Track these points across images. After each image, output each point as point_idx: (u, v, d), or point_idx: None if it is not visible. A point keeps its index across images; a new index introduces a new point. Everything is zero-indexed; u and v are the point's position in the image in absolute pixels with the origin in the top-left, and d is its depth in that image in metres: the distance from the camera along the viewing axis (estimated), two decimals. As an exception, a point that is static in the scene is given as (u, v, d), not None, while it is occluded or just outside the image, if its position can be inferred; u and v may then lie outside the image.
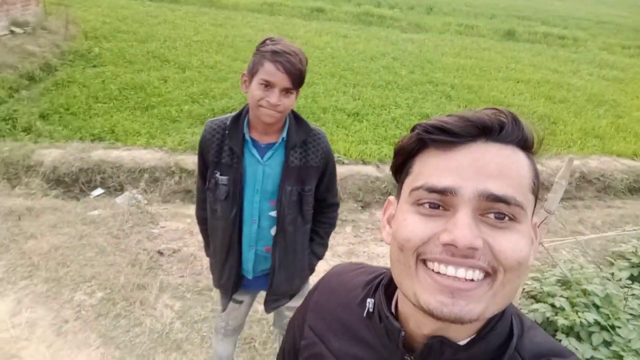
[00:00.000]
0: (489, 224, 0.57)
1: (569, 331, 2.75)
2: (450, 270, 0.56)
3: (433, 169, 0.60)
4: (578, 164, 5.59)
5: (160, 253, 3.43)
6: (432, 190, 0.59)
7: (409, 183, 0.64)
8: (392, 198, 0.73)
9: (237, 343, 2.29)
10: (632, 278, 3.34)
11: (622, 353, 2.49)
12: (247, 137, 1.65)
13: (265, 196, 1.71)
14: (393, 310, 0.73)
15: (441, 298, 0.56)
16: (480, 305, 0.56)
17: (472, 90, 7.82)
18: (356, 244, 3.98)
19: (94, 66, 7.03)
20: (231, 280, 1.82)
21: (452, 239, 0.55)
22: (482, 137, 0.60)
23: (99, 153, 4.84)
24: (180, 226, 3.88)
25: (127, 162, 4.75)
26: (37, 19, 7.83)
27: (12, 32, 7.21)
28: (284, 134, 1.66)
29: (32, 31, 7.46)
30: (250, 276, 1.85)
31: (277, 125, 1.66)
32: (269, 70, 1.51)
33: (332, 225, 1.94)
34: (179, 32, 9.02)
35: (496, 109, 0.62)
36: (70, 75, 6.54)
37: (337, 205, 1.92)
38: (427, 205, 0.60)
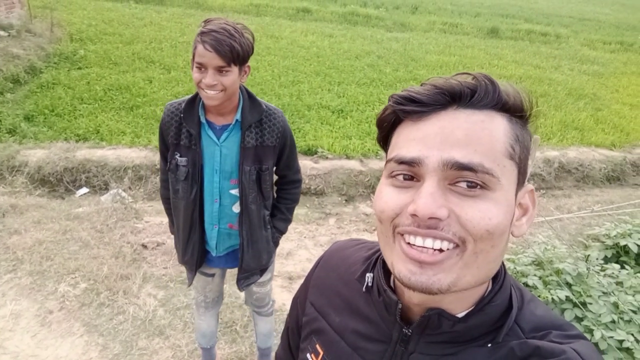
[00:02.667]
0: (458, 193, 0.56)
1: (543, 309, 2.84)
2: (419, 241, 0.56)
3: (404, 140, 0.60)
4: (557, 154, 5.71)
5: (144, 246, 3.48)
6: (400, 161, 0.59)
7: (387, 156, 0.64)
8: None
9: (218, 321, 2.35)
10: (605, 259, 3.45)
11: (592, 327, 2.58)
12: (202, 119, 1.69)
13: (224, 176, 1.75)
14: (392, 284, 0.72)
15: (411, 267, 0.57)
16: (450, 276, 0.56)
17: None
18: (338, 234, 4.04)
19: (79, 68, 7.05)
20: (195, 256, 1.88)
21: (414, 209, 0.55)
22: (452, 105, 0.58)
23: (84, 152, 4.87)
24: (164, 220, 3.92)
25: (112, 160, 4.79)
26: (22, 21, 7.82)
27: (-4, 35, 7.21)
28: (238, 116, 1.69)
29: (17, 34, 7.45)
30: (214, 253, 1.90)
31: (229, 107, 1.68)
32: (199, 52, 1.53)
33: (294, 201, 1.99)
34: (164, 33, 9.05)
35: (470, 74, 0.60)
36: (55, 77, 6.56)
37: (298, 181, 1.97)
38: (400, 177, 0.59)
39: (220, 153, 1.72)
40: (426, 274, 0.56)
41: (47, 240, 3.37)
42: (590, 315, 2.68)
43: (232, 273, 2.23)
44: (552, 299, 2.75)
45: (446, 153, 0.55)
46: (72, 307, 2.79)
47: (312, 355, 0.80)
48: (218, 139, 1.71)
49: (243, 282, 1.97)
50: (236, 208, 1.82)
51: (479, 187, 0.56)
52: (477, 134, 0.56)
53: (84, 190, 4.68)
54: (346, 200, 4.87)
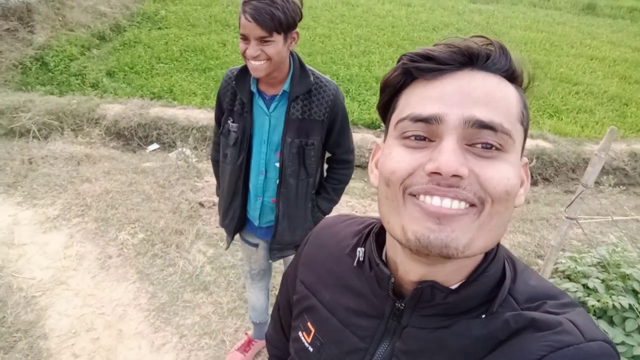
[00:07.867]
0: (475, 154, 0.55)
1: (602, 314, 2.64)
2: (436, 201, 0.54)
3: (418, 98, 0.58)
4: (645, 148, 5.20)
5: (201, 204, 3.61)
6: (416, 119, 0.57)
7: (395, 118, 0.62)
8: (379, 142, 0.70)
9: (269, 296, 2.34)
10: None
11: (656, 341, 2.36)
12: (252, 88, 1.66)
13: (272, 147, 1.73)
14: (384, 258, 0.71)
15: (429, 224, 0.54)
16: (466, 235, 0.55)
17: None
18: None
19: (159, 28, 7.33)
20: (234, 222, 1.90)
21: (437, 167, 0.53)
22: (468, 66, 0.58)
23: (157, 110, 5.10)
24: (223, 182, 4.04)
25: (182, 120, 4.98)
26: (111, -20, 8.22)
27: (87, -7, 7.62)
28: (286, 86, 1.65)
29: (106, -8, 7.86)
30: (257, 223, 1.92)
31: (279, 77, 1.64)
32: (242, 23, 1.49)
33: (342, 182, 1.90)
34: (242, -3, 9.14)
35: (484, 37, 0.60)
36: (137, 36, 6.87)
37: (348, 162, 1.86)
38: (412, 138, 0.57)
39: (269, 123, 1.70)
40: (445, 231, 0.54)
41: (114, 190, 3.59)
42: (655, 328, 2.45)
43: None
44: (614, 305, 2.54)
45: (467, 111, 0.55)
46: (129, 255, 2.98)
47: (304, 333, 0.79)
48: (268, 109, 1.70)
49: (276, 253, 1.97)
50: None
51: (494, 148, 0.55)
52: (495, 95, 0.56)
53: (155, 146, 4.92)
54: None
